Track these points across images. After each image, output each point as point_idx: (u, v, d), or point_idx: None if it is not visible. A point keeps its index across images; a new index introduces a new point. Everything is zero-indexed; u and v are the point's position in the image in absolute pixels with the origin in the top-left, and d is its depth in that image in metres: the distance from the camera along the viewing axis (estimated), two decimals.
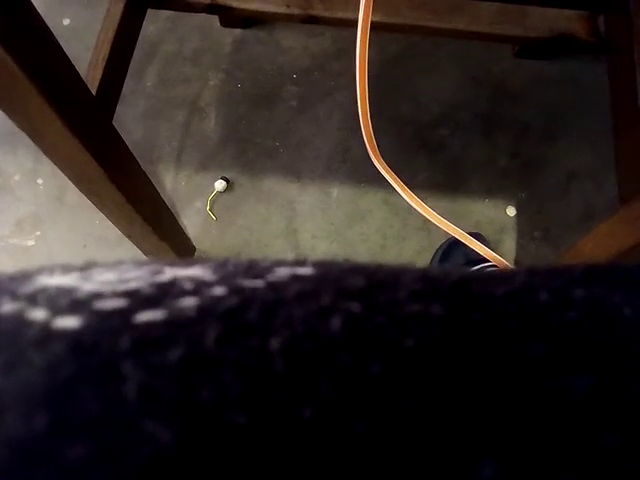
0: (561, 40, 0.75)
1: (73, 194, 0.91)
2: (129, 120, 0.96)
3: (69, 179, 0.58)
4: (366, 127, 0.43)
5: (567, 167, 0.93)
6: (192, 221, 0.91)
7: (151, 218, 0.68)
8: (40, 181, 0.93)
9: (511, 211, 0.91)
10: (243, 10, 0.76)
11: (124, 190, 0.60)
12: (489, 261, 0.73)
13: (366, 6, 0.36)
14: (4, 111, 0.46)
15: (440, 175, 0.93)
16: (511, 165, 0.93)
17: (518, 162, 0.94)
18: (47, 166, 0.92)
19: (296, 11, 0.75)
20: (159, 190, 0.72)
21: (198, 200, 0.92)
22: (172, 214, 0.79)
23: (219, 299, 0.13)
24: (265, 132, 0.96)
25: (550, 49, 0.98)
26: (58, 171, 0.56)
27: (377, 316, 0.13)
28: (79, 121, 0.49)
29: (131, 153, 0.62)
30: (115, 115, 0.65)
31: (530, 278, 0.16)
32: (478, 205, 0.91)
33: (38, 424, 0.10)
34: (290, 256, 0.88)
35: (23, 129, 0.49)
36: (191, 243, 0.88)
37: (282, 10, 0.75)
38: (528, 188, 0.92)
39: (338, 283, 0.14)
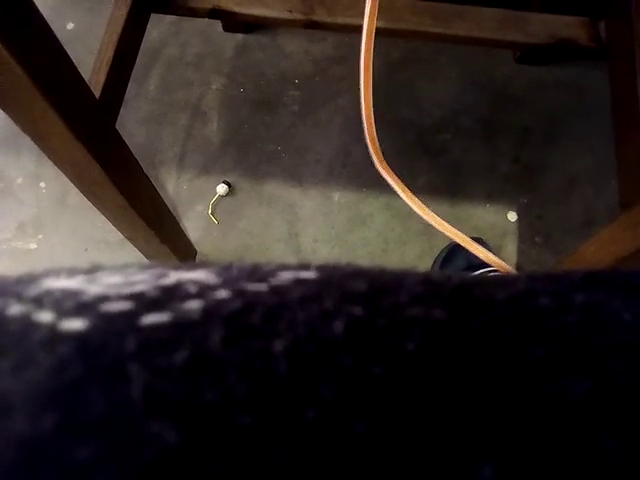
0: (562, 46, 0.76)
1: (75, 197, 0.91)
2: (132, 124, 0.96)
3: (71, 182, 0.58)
4: (370, 130, 0.44)
5: (568, 172, 0.93)
6: (194, 224, 0.91)
7: (153, 221, 0.69)
8: (43, 184, 0.93)
9: (512, 216, 0.91)
10: (245, 15, 0.77)
11: (126, 193, 0.60)
12: (491, 266, 0.73)
13: (371, 12, 0.36)
14: (7, 114, 0.46)
15: (441, 179, 0.93)
16: (512, 170, 0.94)
17: (519, 167, 0.94)
18: (50, 169, 0.92)
19: (298, 16, 0.75)
20: (161, 193, 0.72)
21: (200, 204, 0.92)
22: (174, 217, 0.79)
23: (223, 302, 0.13)
24: (267, 136, 0.96)
25: (551, 55, 0.98)
26: (61, 174, 0.56)
27: (379, 319, 0.13)
28: (82, 124, 0.49)
29: (133, 156, 0.62)
30: (118, 119, 0.66)
31: (531, 283, 0.16)
32: (479, 210, 0.91)
33: (45, 424, 0.11)
34: (291, 260, 0.88)
35: (26, 132, 0.49)
36: (192, 246, 0.88)
37: (284, 15, 0.76)
38: (529, 193, 0.92)
39: (341, 287, 0.14)
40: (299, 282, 0.14)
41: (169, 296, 0.13)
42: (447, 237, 0.48)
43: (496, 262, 0.46)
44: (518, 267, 0.88)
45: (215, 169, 0.94)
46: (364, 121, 0.44)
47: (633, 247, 0.55)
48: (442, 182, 0.93)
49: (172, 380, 0.11)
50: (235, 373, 0.11)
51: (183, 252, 0.84)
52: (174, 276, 0.14)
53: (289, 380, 0.11)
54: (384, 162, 0.46)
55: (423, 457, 0.10)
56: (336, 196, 0.92)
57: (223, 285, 0.14)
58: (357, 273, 0.15)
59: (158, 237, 0.72)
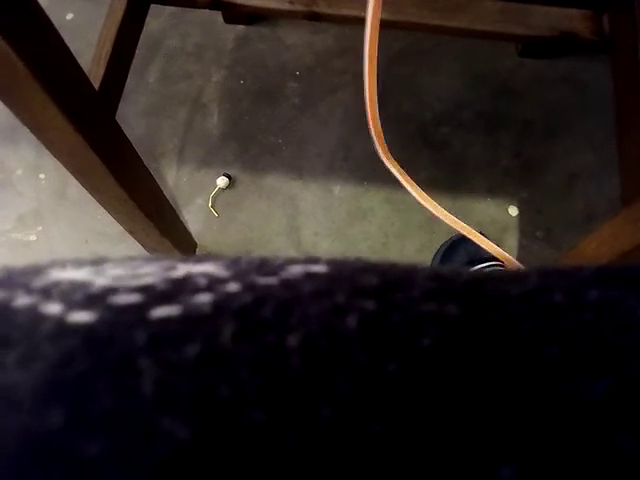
0: (565, 39, 0.75)
1: (75, 189, 0.91)
2: (131, 116, 0.96)
3: (71, 174, 0.58)
4: (374, 122, 0.43)
5: (569, 167, 0.93)
6: (194, 217, 0.91)
7: (153, 214, 0.68)
8: (42, 176, 0.93)
9: (513, 210, 0.91)
10: (246, 6, 0.76)
11: (126, 186, 0.59)
12: (492, 260, 0.73)
13: (375, 4, 0.36)
14: (6, 105, 0.46)
15: (442, 173, 0.93)
16: (513, 164, 0.93)
17: (520, 161, 0.93)
18: (49, 161, 0.91)
19: (300, 8, 0.75)
20: (161, 186, 0.72)
21: (200, 196, 0.92)
22: (174, 210, 0.79)
23: (234, 295, 0.13)
24: (267, 129, 0.95)
25: (554, 48, 0.97)
26: (60, 166, 0.56)
27: (393, 315, 0.13)
28: (82, 116, 0.49)
29: (133, 149, 0.62)
30: (118, 111, 0.65)
31: (543, 279, 0.16)
32: (480, 204, 0.91)
33: (53, 419, 0.10)
34: (292, 253, 0.88)
35: (25, 124, 0.48)
36: (192, 239, 0.88)
37: (286, 7, 0.75)
38: (530, 187, 0.92)
39: (352, 281, 0.14)
40: (310, 276, 0.14)
41: (179, 289, 0.13)
42: (447, 231, 0.47)
43: (502, 255, 0.46)
44: (519, 261, 0.88)
45: (215, 162, 0.93)
46: (368, 114, 0.44)
47: (635, 242, 0.55)
48: (443, 176, 0.93)
49: (183, 375, 0.11)
50: (248, 368, 0.11)
51: (183, 245, 0.84)
52: (183, 269, 0.14)
53: (303, 376, 0.11)
54: (389, 155, 0.45)
55: (440, 457, 0.10)
56: (336, 189, 0.92)
57: (233, 278, 0.14)
58: (368, 267, 0.15)
59: (158, 230, 0.71)
